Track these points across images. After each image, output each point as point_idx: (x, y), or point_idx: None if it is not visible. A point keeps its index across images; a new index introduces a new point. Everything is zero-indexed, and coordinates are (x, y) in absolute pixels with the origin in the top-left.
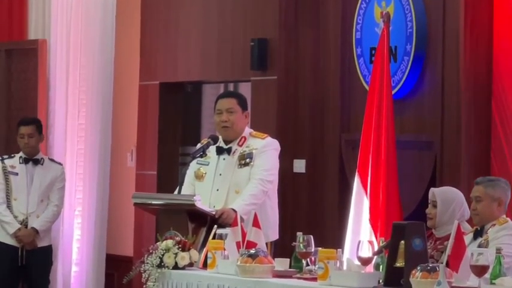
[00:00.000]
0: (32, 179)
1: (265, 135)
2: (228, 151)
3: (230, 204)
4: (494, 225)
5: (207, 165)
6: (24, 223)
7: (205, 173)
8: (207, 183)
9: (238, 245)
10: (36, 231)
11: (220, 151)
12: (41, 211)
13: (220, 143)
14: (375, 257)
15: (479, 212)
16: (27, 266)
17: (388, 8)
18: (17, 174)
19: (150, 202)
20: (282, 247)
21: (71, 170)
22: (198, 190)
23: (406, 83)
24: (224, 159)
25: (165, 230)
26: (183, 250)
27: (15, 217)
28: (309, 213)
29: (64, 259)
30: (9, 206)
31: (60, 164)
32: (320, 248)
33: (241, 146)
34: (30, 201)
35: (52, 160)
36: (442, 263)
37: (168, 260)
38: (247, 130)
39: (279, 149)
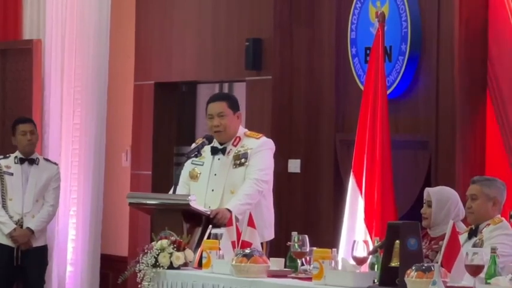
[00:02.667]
0: (27, 179)
1: (260, 135)
2: (223, 151)
3: (225, 205)
4: (489, 224)
5: (202, 165)
6: (19, 223)
7: (200, 173)
8: (201, 184)
9: (233, 244)
10: (31, 231)
11: (215, 151)
12: (36, 211)
13: (215, 143)
14: (370, 256)
15: (474, 211)
16: (23, 266)
17: (383, 7)
18: (12, 174)
19: (145, 202)
20: (277, 247)
21: (65, 169)
22: (193, 190)
23: (400, 83)
24: (219, 159)
25: (160, 229)
26: (178, 250)
27: (11, 217)
28: (304, 213)
29: (59, 259)
30: (4, 206)
31: (55, 163)
32: (315, 248)
33: (236, 146)
34: (26, 201)
35: (47, 160)
36: (437, 263)
37: (163, 259)
38: (242, 130)
39: (274, 148)
